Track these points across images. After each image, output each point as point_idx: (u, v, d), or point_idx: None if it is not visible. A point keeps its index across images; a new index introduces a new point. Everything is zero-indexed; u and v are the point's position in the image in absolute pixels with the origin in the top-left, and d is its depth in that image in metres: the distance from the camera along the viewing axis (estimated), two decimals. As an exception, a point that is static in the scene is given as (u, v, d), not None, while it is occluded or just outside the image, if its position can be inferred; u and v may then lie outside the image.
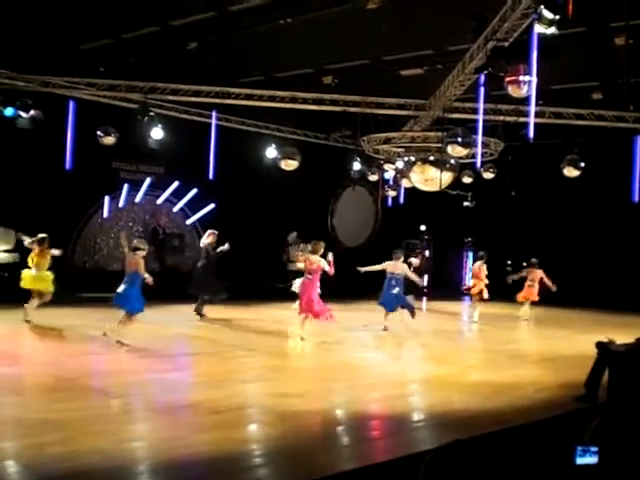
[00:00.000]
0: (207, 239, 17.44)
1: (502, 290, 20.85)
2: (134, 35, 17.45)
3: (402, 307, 16.34)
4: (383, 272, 16.37)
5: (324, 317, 14.33)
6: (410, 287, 17.24)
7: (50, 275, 14.92)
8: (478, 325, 18.92)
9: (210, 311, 17.37)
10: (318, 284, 14.50)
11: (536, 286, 20.13)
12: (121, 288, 12.56)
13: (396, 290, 16.14)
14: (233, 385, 9.99)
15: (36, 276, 14.71)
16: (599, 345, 9.58)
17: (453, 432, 7.60)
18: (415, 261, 20.85)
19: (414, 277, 17.14)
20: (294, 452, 6.92)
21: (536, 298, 20.21)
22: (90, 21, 16.49)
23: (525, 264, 20.98)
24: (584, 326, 19.19)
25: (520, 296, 20.31)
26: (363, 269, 16.52)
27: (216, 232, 17.62)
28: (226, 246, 16.94)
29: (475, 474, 3.93)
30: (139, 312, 12.57)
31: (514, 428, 7.99)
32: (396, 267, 16.32)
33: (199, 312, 17.06)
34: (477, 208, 27.05)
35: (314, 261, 14.43)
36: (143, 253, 12.83)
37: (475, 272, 20.15)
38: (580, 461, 5.02)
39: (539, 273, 20.14)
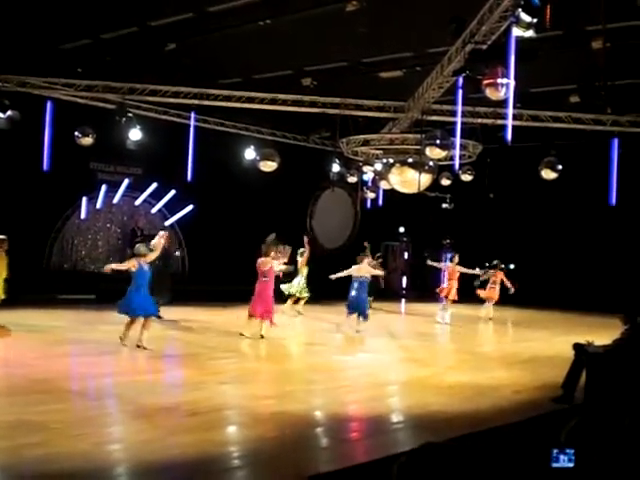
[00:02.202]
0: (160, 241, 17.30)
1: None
2: (113, 35, 17.38)
3: (358, 315, 16.42)
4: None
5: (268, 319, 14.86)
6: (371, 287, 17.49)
7: None
8: (453, 327, 18.97)
9: (188, 313, 17.33)
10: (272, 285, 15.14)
11: (497, 287, 20.97)
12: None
13: (355, 292, 16.34)
14: (211, 387, 9.97)
15: None
16: (576, 346, 9.64)
17: (431, 434, 7.63)
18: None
19: (378, 272, 17.38)
20: (273, 454, 6.92)
21: (496, 298, 21.04)
22: (69, 21, 16.42)
23: (488, 265, 21.38)
24: (561, 328, 19.33)
25: (483, 295, 21.05)
26: (333, 276, 16.68)
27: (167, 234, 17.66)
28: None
29: (447, 476, 3.96)
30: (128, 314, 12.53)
31: (490, 430, 8.03)
32: (360, 270, 16.45)
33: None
34: (455, 210, 27.12)
35: (267, 262, 14.95)
36: (134, 260, 12.76)
37: (449, 273, 20.30)
38: (556, 465, 5.05)
39: (500, 275, 20.97)
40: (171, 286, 17.34)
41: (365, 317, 16.42)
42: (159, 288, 16.91)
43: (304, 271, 19.82)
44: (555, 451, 5.12)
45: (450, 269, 20.31)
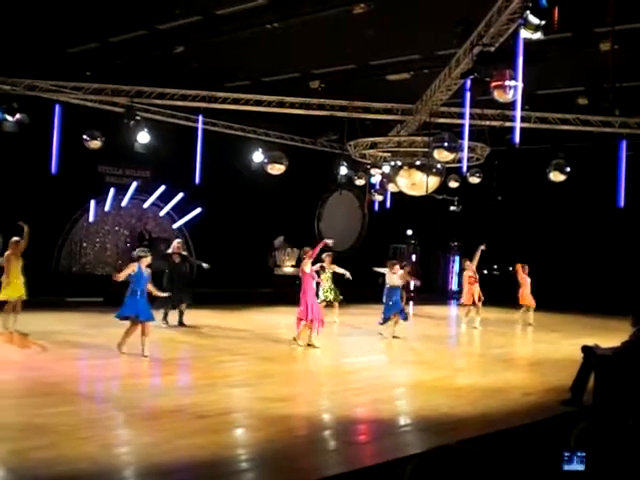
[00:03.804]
0: (172, 250, 17.37)
1: (489, 294, 20.94)
2: (121, 39, 17.44)
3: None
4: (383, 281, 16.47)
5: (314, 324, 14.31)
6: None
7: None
8: (466, 329, 18.89)
9: (197, 316, 17.33)
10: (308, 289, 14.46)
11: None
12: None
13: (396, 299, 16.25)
14: (219, 390, 9.96)
15: None
16: (585, 349, 9.61)
17: (439, 436, 7.62)
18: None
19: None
20: (280, 457, 6.91)
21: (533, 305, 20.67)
22: (77, 25, 16.48)
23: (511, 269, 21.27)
24: (570, 330, 19.26)
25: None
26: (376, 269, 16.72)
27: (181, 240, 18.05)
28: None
29: (459, 478, 3.94)
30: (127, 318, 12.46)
31: (500, 432, 8.00)
32: (400, 277, 16.48)
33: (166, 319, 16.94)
34: (463, 212, 27.11)
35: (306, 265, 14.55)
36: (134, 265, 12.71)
37: (467, 278, 20.04)
38: (567, 467, 5.03)
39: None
40: (192, 290, 17.31)
41: (405, 317, 16.48)
42: (180, 291, 16.95)
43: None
44: (566, 454, 5.10)
45: (466, 275, 19.97)
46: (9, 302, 14.12)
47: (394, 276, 16.14)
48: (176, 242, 17.72)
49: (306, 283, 14.19)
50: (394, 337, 15.97)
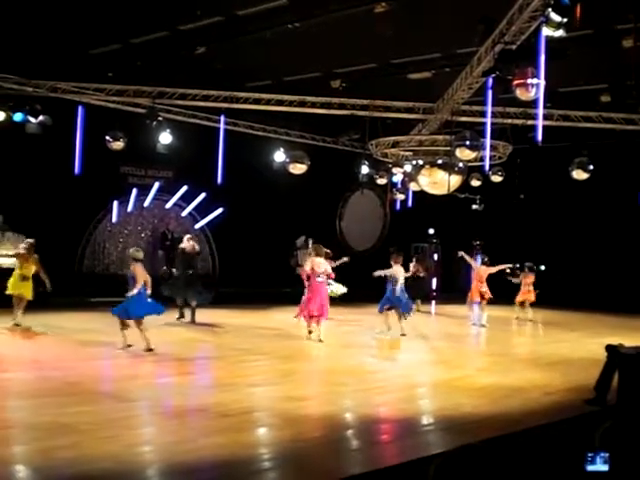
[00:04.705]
0: (186, 244, 17.54)
1: (509, 294, 20.91)
2: (142, 40, 17.51)
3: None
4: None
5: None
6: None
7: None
8: (483, 329, 18.83)
9: (218, 315, 17.39)
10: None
11: (532, 289, 20.91)
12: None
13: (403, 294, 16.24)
14: (241, 389, 9.99)
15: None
16: (609, 348, 9.55)
17: (462, 436, 7.60)
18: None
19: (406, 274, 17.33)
20: (303, 456, 6.92)
21: (533, 299, 20.97)
22: (99, 26, 16.56)
23: (518, 266, 21.34)
24: (592, 329, 19.15)
25: (520, 299, 21.06)
26: (376, 273, 16.56)
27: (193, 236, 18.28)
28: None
29: (483, 477, 3.93)
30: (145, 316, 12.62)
31: (523, 432, 7.97)
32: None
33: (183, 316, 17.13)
34: (486, 211, 26.99)
35: (321, 264, 15.06)
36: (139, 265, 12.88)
37: (480, 275, 20.03)
38: (591, 468, 4.99)
39: (532, 277, 20.92)
40: (201, 288, 17.39)
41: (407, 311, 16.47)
42: (186, 290, 17.07)
43: None
44: (589, 454, 5.06)
45: (478, 270, 19.98)
46: (14, 296, 14.70)
47: (395, 267, 16.23)
48: (187, 238, 17.88)
49: (312, 279, 14.96)
50: (402, 335, 16.00)
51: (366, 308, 19.34)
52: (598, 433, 6.10)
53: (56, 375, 10.26)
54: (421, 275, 22.14)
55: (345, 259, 17.73)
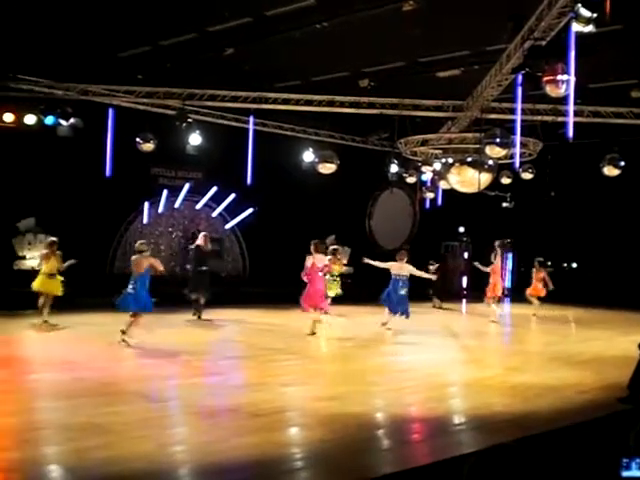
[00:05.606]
0: (201, 241, 17.66)
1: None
2: (171, 42, 17.60)
3: (401, 314, 16.34)
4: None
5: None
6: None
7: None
8: (513, 327, 18.75)
9: (249, 315, 17.45)
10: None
11: (542, 285, 21.00)
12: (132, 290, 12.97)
13: (404, 291, 16.37)
14: (273, 389, 10.01)
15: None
16: (642, 346, 9.46)
17: (494, 435, 7.57)
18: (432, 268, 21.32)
19: (423, 274, 17.42)
20: (335, 455, 6.93)
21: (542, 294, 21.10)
22: (128, 29, 16.68)
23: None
24: (624, 327, 18.97)
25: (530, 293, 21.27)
26: (366, 260, 16.85)
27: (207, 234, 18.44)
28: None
29: (516, 478, 3.91)
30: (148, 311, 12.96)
31: (557, 430, 7.91)
32: (402, 268, 16.43)
33: (199, 314, 17.24)
34: (516, 209, 26.84)
35: (324, 260, 15.85)
36: (148, 254, 13.45)
37: (495, 269, 19.95)
38: (626, 474, 4.91)
39: (542, 273, 21.07)
40: (209, 285, 17.51)
41: (407, 315, 16.50)
42: (196, 286, 17.16)
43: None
44: (625, 460, 4.98)
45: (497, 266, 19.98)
46: (42, 294, 15.23)
47: (397, 265, 16.43)
48: (202, 235, 18.01)
49: (313, 274, 15.65)
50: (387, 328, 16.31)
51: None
52: (633, 434, 6.03)
53: (90, 376, 10.34)
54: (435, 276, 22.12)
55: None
